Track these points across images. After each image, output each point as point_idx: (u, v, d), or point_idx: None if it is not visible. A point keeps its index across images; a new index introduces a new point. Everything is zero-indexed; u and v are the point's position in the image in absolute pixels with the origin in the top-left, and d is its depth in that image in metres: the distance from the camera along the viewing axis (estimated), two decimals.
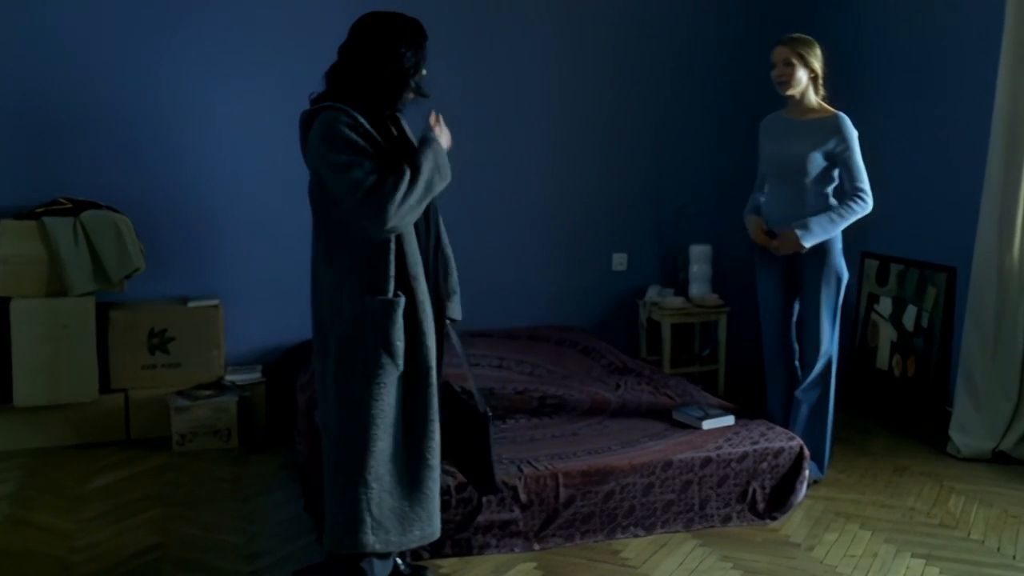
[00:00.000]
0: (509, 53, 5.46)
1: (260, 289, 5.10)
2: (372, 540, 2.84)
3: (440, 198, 2.94)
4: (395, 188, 2.68)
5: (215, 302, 4.85)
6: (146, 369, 4.70)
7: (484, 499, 3.40)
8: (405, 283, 2.81)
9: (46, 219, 4.49)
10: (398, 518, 2.88)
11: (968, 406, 4.52)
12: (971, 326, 4.54)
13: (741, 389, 5.46)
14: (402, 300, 2.78)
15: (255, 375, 4.86)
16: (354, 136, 2.72)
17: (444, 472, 3.17)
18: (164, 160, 4.94)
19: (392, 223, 2.69)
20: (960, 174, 4.85)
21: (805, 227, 3.88)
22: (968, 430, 4.50)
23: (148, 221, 4.87)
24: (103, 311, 4.64)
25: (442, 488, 3.17)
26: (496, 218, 5.54)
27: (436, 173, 2.79)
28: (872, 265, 5.45)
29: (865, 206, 3.91)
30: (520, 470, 3.50)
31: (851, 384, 5.47)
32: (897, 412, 5.15)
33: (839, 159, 3.92)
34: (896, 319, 5.25)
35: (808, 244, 3.88)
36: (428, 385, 2.88)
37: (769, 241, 4.05)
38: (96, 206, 4.66)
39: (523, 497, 3.46)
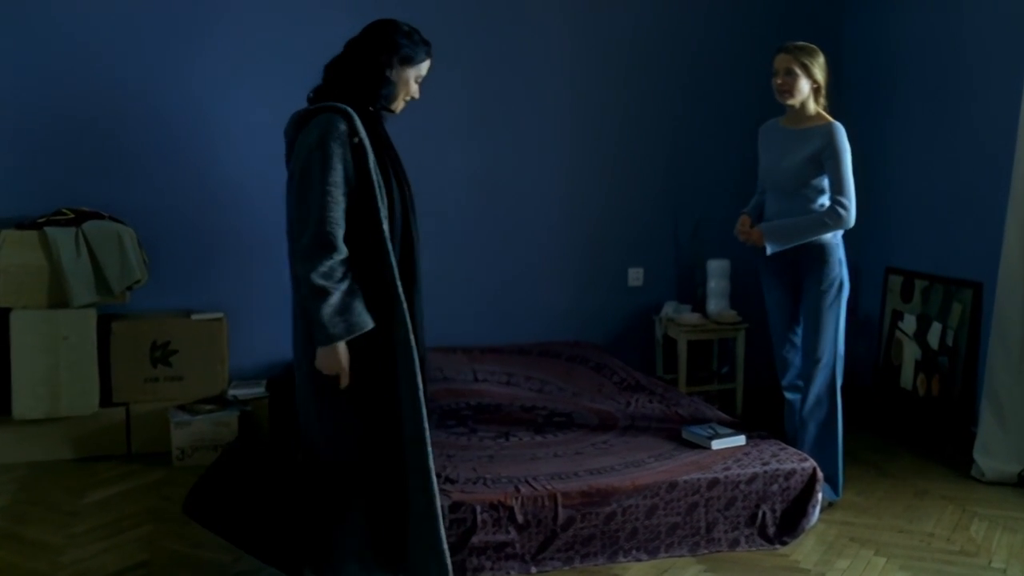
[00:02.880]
0: (522, 63, 5.37)
1: (265, 303, 5.00)
2: (355, 569, 2.75)
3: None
4: (328, 271, 2.66)
5: (219, 315, 4.78)
6: (148, 382, 4.63)
7: (479, 519, 3.28)
8: (386, 302, 2.72)
9: (48, 229, 4.44)
10: (382, 545, 2.79)
11: (993, 427, 4.34)
12: (996, 344, 4.36)
13: (760, 409, 5.30)
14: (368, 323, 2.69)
15: (259, 390, 4.77)
16: (340, 167, 2.64)
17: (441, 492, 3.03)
18: (169, 171, 4.89)
19: (298, 273, 2.72)
20: (985, 187, 4.68)
21: (772, 236, 3.83)
22: (993, 452, 4.32)
23: (152, 232, 4.83)
24: (105, 323, 4.59)
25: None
26: (509, 230, 5.43)
27: (326, 313, 2.66)
28: (896, 281, 5.27)
29: (840, 220, 3.76)
30: (517, 490, 3.38)
31: (874, 404, 5.29)
32: (921, 433, 4.96)
33: (825, 166, 3.78)
34: (920, 337, 5.07)
35: (771, 251, 3.84)
36: (414, 407, 2.75)
37: (749, 235, 3.93)
38: (99, 216, 4.61)
39: (520, 518, 3.33)
